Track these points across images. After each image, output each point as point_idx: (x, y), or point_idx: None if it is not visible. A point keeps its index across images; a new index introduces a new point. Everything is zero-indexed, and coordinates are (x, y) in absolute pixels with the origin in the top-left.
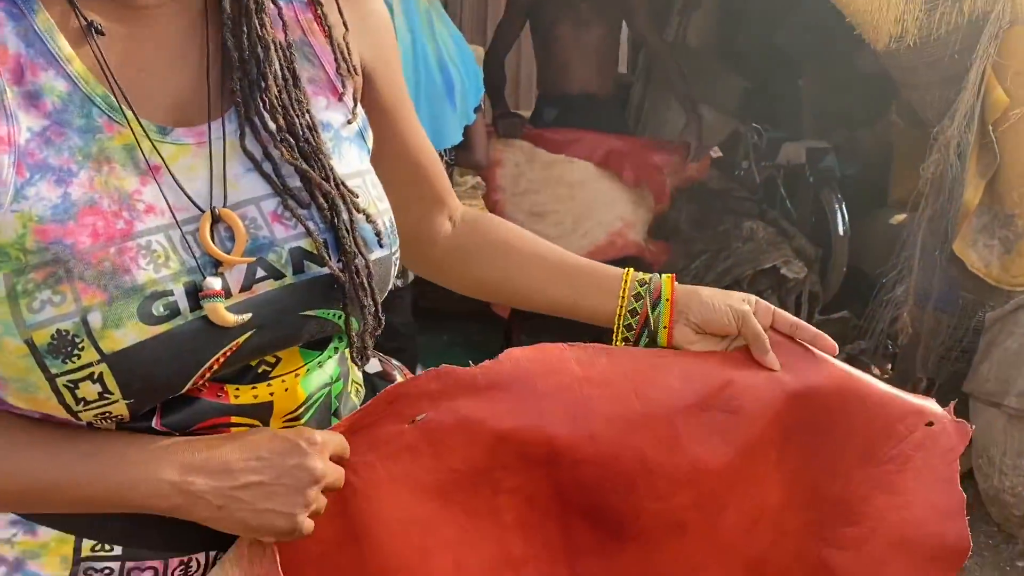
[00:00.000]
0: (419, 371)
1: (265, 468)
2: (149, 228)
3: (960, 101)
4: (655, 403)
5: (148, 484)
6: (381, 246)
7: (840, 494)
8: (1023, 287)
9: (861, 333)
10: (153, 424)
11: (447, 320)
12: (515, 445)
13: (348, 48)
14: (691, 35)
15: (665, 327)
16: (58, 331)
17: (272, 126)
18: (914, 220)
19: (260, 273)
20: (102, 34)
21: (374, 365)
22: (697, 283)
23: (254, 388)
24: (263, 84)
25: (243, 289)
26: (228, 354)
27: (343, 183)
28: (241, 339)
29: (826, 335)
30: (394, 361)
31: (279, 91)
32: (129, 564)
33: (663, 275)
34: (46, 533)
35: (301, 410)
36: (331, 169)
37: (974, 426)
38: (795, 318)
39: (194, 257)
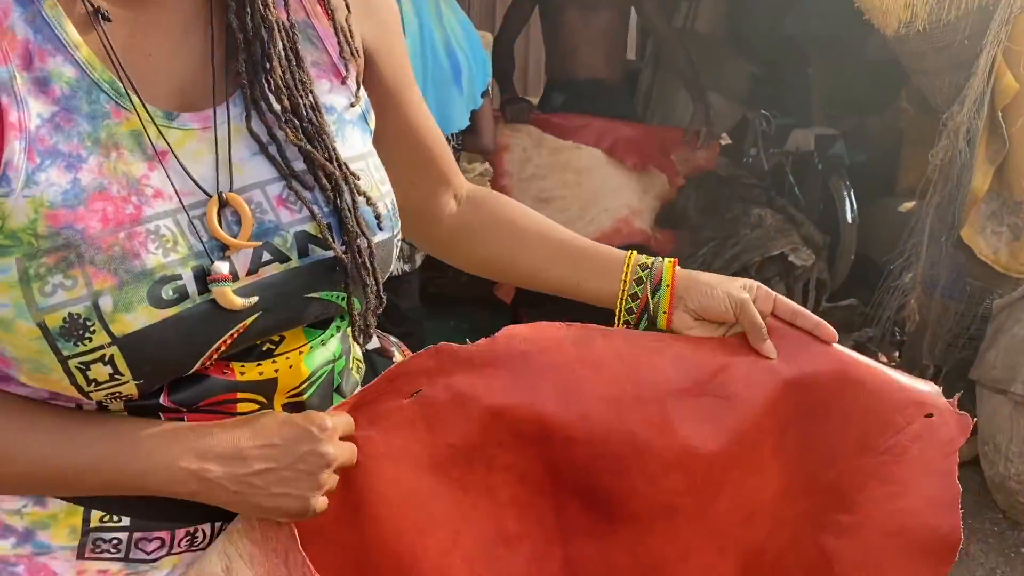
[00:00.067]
0: None
1: (278, 455)
2: (157, 213)
3: (970, 87)
4: (647, 386)
5: (166, 472)
6: (381, 229)
7: (836, 482)
8: None
9: (868, 321)
10: (161, 401)
11: (454, 306)
12: (508, 422)
13: (351, 30)
14: (700, 21)
15: (664, 312)
16: (70, 314)
17: (277, 107)
18: (922, 207)
19: (266, 257)
20: (108, 20)
21: (372, 342)
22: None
23: (259, 365)
24: (268, 65)
25: (249, 272)
26: (235, 336)
27: (346, 165)
28: (248, 321)
29: (827, 323)
30: (392, 338)
31: (283, 72)
32: (137, 534)
33: (665, 260)
34: (55, 504)
35: (304, 386)
36: (334, 150)
37: (980, 413)
38: (796, 305)
39: (201, 241)
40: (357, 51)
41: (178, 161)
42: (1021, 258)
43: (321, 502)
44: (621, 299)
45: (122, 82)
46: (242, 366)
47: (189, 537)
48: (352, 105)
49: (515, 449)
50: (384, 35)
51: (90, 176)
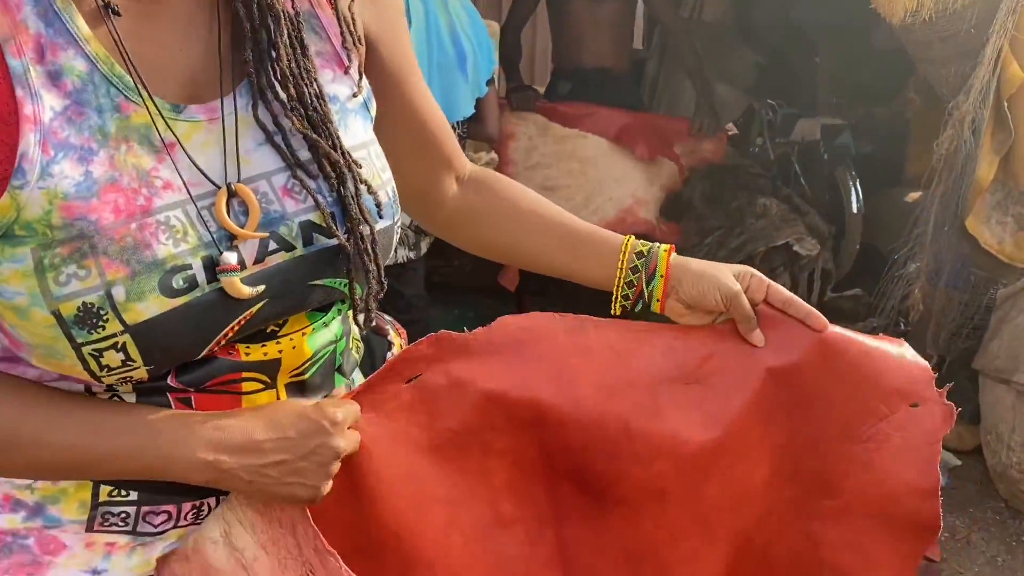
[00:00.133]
0: None
1: (292, 447)
2: (167, 204)
3: (976, 76)
4: (638, 372)
5: (185, 463)
6: (382, 217)
7: (820, 468)
8: None
9: (873, 311)
10: (169, 382)
11: (458, 295)
12: (504, 406)
13: (353, 19)
14: (707, 11)
15: (658, 300)
16: (84, 304)
17: (283, 96)
18: (927, 197)
19: (272, 246)
20: (118, 14)
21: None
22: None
23: (264, 346)
24: (274, 54)
25: (256, 261)
26: (242, 322)
27: (349, 154)
28: (254, 309)
29: (818, 312)
30: (386, 316)
31: (289, 61)
32: (144, 508)
33: (662, 247)
34: (65, 480)
35: (307, 365)
36: (338, 139)
37: (983, 403)
38: (789, 293)
39: (210, 232)
40: (359, 39)
41: (186, 153)
42: None
43: (328, 487)
44: (617, 286)
45: (132, 76)
46: (247, 347)
47: (195, 510)
48: (355, 95)
49: (510, 433)
50: (386, 21)
51: (101, 168)
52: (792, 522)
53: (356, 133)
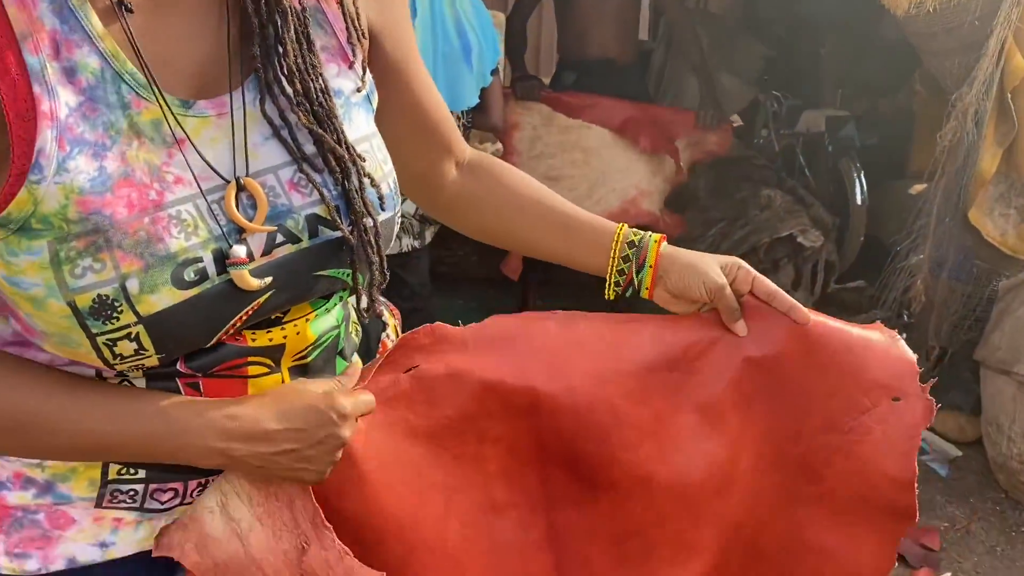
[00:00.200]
0: None
1: (301, 437)
2: (178, 198)
3: (979, 68)
4: (627, 361)
5: (196, 450)
6: (384, 209)
7: (804, 457)
8: None
9: (876, 302)
10: (178, 367)
11: (463, 284)
12: (500, 395)
13: (358, 13)
14: (713, 2)
15: (647, 288)
16: (99, 296)
17: (289, 91)
18: (931, 188)
19: (279, 239)
20: (131, 11)
21: (361, 302)
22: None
23: (269, 332)
24: (281, 49)
25: (264, 254)
26: (250, 312)
27: (353, 148)
28: (262, 299)
29: (801, 306)
30: (381, 298)
31: (296, 56)
32: (152, 486)
33: (653, 237)
34: (79, 461)
35: (309, 350)
36: (343, 133)
37: (984, 394)
38: (774, 286)
39: (220, 225)
40: (363, 33)
41: (195, 148)
42: None
43: (331, 470)
44: (609, 273)
45: (144, 74)
46: (253, 334)
47: (201, 488)
48: (359, 90)
49: (505, 421)
50: (390, 14)
51: (115, 164)
52: (779, 508)
53: (359, 126)
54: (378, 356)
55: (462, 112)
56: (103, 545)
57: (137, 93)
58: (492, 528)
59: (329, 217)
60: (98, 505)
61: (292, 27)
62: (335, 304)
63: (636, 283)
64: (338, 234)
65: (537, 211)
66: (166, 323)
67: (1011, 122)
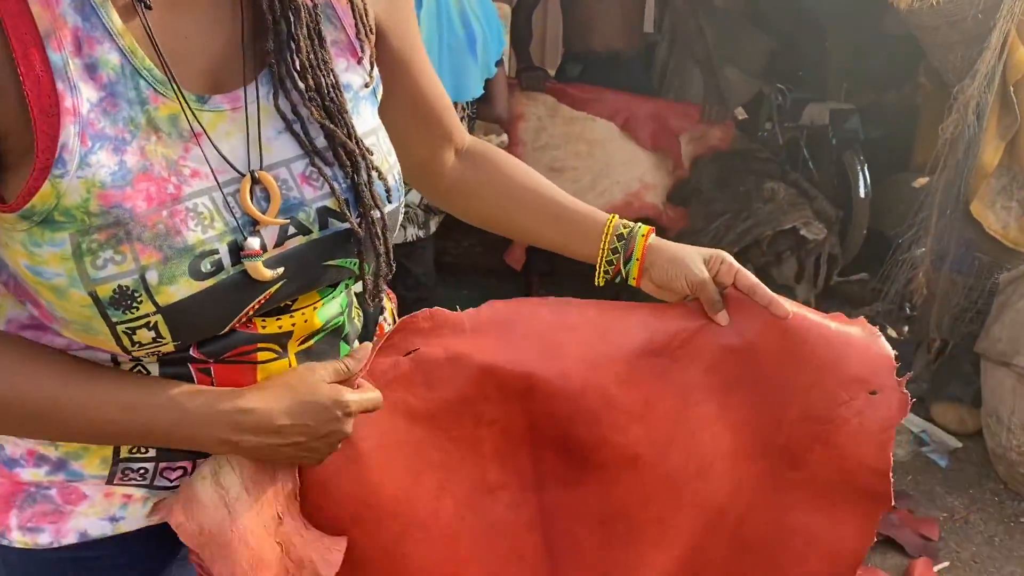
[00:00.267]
0: None
1: (308, 432)
2: (195, 191)
3: (981, 61)
4: (617, 347)
5: (208, 439)
6: (390, 201)
7: (785, 445)
8: None
9: (879, 295)
10: (191, 353)
11: (468, 275)
12: (497, 378)
13: (366, 9)
14: None
15: (634, 278)
16: (119, 286)
17: (301, 86)
18: (932, 181)
19: (291, 231)
20: (149, 8)
21: (357, 286)
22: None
23: (278, 320)
24: (293, 45)
25: (276, 245)
26: (262, 301)
27: (361, 142)
28: (273, 289)
29: (780, 301)
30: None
31: (308, 52)
32: (162, 464)
33: (642, 229)
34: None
35: (315, 336)
36: (353, 128)
37: (984, 386)
38: (755, 280)
39: (235, 218)
40: (371, 29)
41: (211, 142)
42: None
43: (330, 456)
44: (599, 263)
45: (162, 70)
46: (263, 321)
47: None
48: (367, 85)
49: (501, 404)
50: (395, 9)
51: (134, 158)
52: (763, 494)
53: (366, 120)
54: (376, 339)
55: (467, 103)
56: (113, 520)
57: (155, 89)
58: (485, 507)
59: (339, 209)
60: (109, 482)
61: (304, 23)
62: (341, 292)
63: (624, 273)
64: (346, 226)
65: (532, 199)
66: (183, 313)
67: (1013, 115)
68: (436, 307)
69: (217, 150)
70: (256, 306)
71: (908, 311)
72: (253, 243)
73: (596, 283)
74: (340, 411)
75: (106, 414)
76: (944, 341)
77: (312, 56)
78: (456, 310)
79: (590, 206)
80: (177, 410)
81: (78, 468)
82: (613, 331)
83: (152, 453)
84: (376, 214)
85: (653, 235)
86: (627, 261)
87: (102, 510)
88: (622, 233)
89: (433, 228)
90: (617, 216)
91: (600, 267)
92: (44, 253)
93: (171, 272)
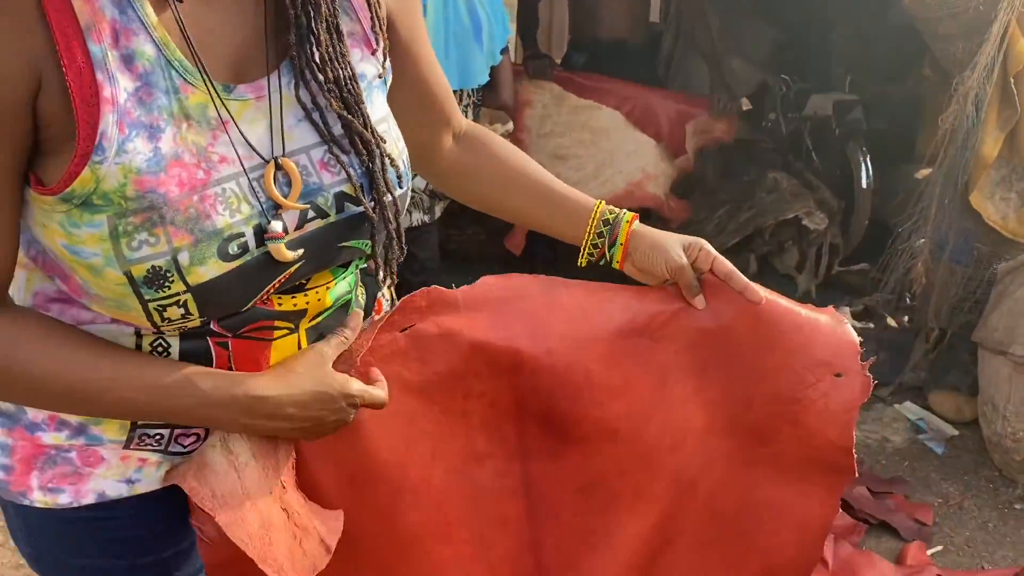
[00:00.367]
0: None
1: (315, 418)
2: (223, 177)
3: (982, 53)
4: (599, 327)
5: (223, 421)
6: (401, 186)
7: (754, 424)
8: None
9: (880, 285)
10: (211, 327)
11: (473, 262)
12: (487, 354)
13: (379, 3)
14: None
15: (618, 262)
16: (153, 267)
17: (321, 78)
18: (932, 172)
19: (311, 214)
20: (181, 1)
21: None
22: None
23: (294, 298)
24: (313, 39)
25: (296, 228)
26: (282, 280)
27: (376, 131)
28: (293, 268)
29: (754, 286)
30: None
31: (327, 45)
32: (177, 431)
33: (626, 216)
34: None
35: (326, 313)
36: (368, 118)
37: (981, 375)
38: (731, 267)
39: (260, 202)
40: (384, 21)
41: (239, 130)
42: None
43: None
44: (584, 247)
45: (191, 61)
46: (279, 299)
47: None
48: (380, 76)
49: (490, 379)
50: (405, 2)
51: (168, 145)
52: (734, 470)
53: (378, 108)
54: (373, 315)
55: (472, 90)
56: (129, 482)
57: (184, 79)
58: (472, 474)
59: (354, 195)
60: (126, 447)
61: (324, 18)
62: (351, 271)
63: (608, 256)
64: (361, 209)
65: (524, 182)
66: (211, 291)
67: (1013, 107)
68: (434, 286)
69: (244, 137)
70: (276, 284)
71: (907, 301)
72: (276, 226)
73: (579, 264)
74: (346, 402)
75: (132, 395)
76: (942, 330)
77: (331, 49)
78: (452, 286)
79: (579, 192)
80: (195, 395)
81: (97, 433)
82: (597, 312)
83: None
84: (389, 198)
85: (637, 222)
86: (612, 245)
87: (119, 472)
88: (608, 219)
89: (438, 214)
90: (604, 202)
91: (585, 249)
92: (82, 234)
93: (201, 254)
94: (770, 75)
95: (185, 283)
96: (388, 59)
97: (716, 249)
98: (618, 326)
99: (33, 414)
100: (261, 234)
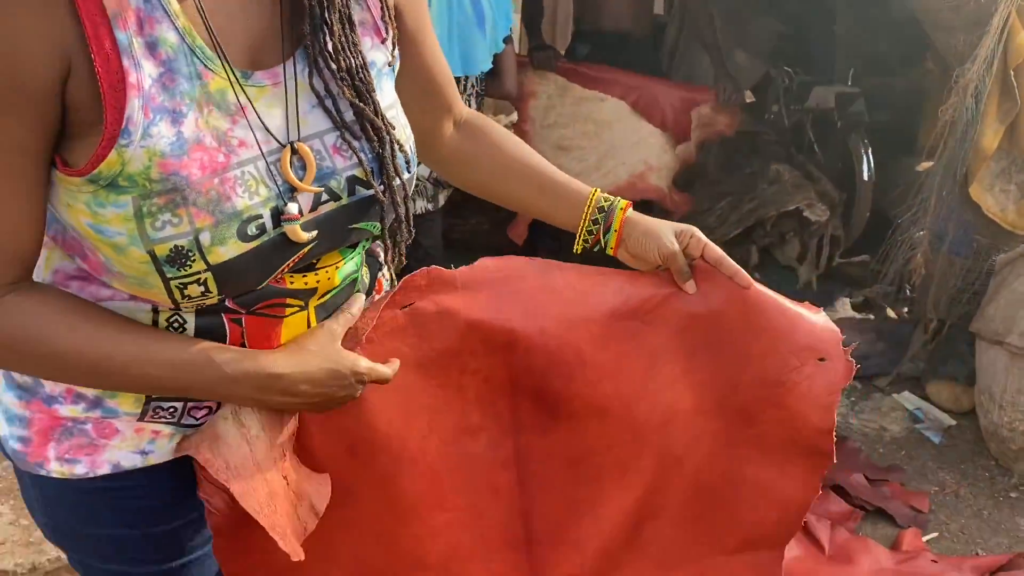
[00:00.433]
0: None
1: (325, 395)
2: (242, 160)
3: (982, 45)
4: (592, 309)
5: (239, 397)
6: (408, 171)
7: (740, 406)
8: None
9: (880, 277)
10: (226, 303)
11: (476, 251)
12: (482, 333)
13: None
14: None
15: (611, 248)
16: (175, 246)
17: (334, 67)
18: (933, 164)
19: (324, 197)
20: None
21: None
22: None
23: (305, 276)
24: (326, 29)
25: (311, 210)
26: (296, 260)
27: (385, 118)
28: (306, 249)
29: (743, 271)
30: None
31: (339, 35)
32: (190, 404)
33: (621, 203)
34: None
35: (335, 291)
36: (379, 105)
37: (978, 365)
38: (721, 252)
39: (277, 185)
40: (393, 13)
41: (256, 115)
42: None
43: None
44: (580, 233)
45: (212, 48)
46: (291, 277)
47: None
48: (389, 64)
49: (485, 356)
50: None
51: (190, 130)
52: (719, 449)
53: (387, 95)
54: (374, 295)
55: (476, 79)
56: (143, 453)
57: (205, 65)
58: (466, 446)
59: (365, 178)
60: (141, 419)
61: (337, 8)
62: (359, 252)
63: (603, 243)
64: (371, 192)
65: (521, 169)
66: (230, 270)
67: (1013, 99)
68: (434, 265)
69: (262, 122)
70: (291, 264)
71: (907, 292)
72: (292, 208)
73: (575, 251)
74: (355, 379)
75: (153, 370)
76: (941, 321)
77: (343, 38)
78: (451, 267)
79: (575, 179)
80: (213, 371)
81: (113, 406)
82: (591, 295)
83: None
84: (397, 182)
85: (631, 209)
86: (606, 232)
87: (133, 444)
88: (603, 206)
89: (442, 202)
90: (599, 190)
91: (580, 235)
92: (107, 213)
93: (222, 234)
94: (773, 67)
95: (206, 262)
96: (397, 47)
97: (718, 240)
98: (611, 308)
99: (50, 387)
100: (278, 216)
